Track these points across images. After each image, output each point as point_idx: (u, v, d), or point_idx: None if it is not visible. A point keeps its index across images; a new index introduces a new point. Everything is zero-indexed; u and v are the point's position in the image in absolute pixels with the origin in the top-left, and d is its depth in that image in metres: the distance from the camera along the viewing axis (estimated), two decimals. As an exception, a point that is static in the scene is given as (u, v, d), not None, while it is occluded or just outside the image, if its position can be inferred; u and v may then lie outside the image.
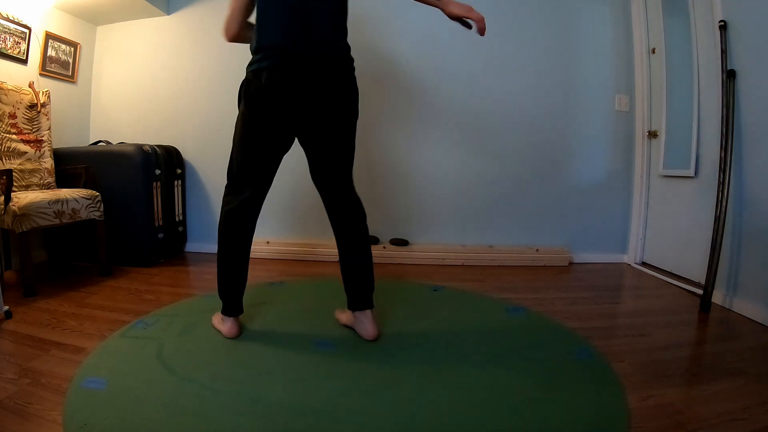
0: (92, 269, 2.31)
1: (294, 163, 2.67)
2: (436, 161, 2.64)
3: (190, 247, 2.88)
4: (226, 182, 1.42)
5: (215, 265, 1.40)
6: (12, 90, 2.14)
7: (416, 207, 2.69)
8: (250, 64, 1.30)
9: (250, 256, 1.45)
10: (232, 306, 1.42)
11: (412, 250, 2.60)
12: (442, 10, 1.25)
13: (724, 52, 1.80)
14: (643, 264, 2.56)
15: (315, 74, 1.26)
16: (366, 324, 1.38)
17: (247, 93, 1.29)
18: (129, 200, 2.38)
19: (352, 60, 1.36)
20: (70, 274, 2.26)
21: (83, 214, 2.09)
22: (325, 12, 1.28)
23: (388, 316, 1.63)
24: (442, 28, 2.30)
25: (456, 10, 1.23)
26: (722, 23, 1.82)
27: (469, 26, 1.27)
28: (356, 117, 1.41)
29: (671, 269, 2.33)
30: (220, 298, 1.43)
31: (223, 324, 1.44)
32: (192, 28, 2.77)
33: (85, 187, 2.25)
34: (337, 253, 1.41)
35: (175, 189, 2.70)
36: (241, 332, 1.44)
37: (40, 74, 2.48)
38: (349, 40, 1.37)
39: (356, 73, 1.39)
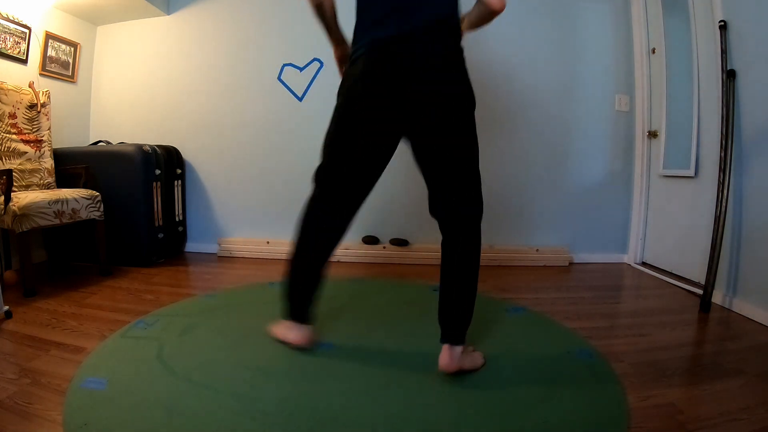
0: (92, 269, 2.30)
1: (293, 159, 2.71)
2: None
3: (190, 247, 2.87)
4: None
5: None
6: (12, 90, 2.14)
7: (416, 207, 2.68)
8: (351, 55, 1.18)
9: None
10: (295, 310, 1.33)
11: (412, 250, 2.59)
12: (488, 5, 1.15)
13: (724, 52, 1.80)
14: (643, 264, 2.56)
15: (413, 55, 1.07)
16: (442, 354, 1.17)
17: (343, 86, 1.17)
18: (129, 200, 2.38)
19: (454, 30, 1.12)
20: (70, 274, 2.26)
21: (83, 214, 2.09)
22: None
23: (388, 317, 1.63)
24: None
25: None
26: (722, 23, 1.82)
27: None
28: (468, 113, 1.17)
29: (671, 269, 2.33)
30: (284, 300, 1.34)
31: (290, 331, 1.33)
32: (192, 28, 2.77)
33: (85, 187, 2.25)
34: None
35: (175, 189, 2.70)
36: (312, 341, 1.33)
37: (40, 74, 2.48)
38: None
39: None
